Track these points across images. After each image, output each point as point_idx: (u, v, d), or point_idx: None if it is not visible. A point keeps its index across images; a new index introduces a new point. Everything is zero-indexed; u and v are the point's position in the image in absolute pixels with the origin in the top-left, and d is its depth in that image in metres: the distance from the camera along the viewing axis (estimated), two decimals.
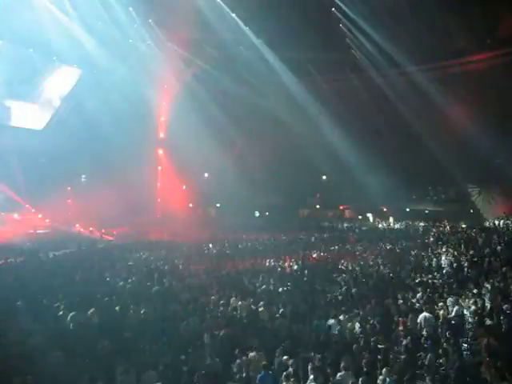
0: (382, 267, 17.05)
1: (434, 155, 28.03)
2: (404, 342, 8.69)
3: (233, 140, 35.07)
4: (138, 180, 31.35)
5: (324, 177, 38.30)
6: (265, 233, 30.13)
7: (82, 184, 34.91)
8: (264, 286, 13.65)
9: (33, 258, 19.30)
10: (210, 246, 25.19)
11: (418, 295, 11.74)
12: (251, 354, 7.85)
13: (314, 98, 32.26)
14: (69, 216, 31.93)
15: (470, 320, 9.99)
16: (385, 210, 36.12)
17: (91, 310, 9.63)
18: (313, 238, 28.08)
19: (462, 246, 19.08)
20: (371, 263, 18.33)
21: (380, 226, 35.24)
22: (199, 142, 31.79)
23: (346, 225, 36.04)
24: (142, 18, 27.27)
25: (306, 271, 16.75)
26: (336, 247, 24.05)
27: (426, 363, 7.79)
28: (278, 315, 10.21)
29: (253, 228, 32.98)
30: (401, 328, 9.60)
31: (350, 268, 17.55)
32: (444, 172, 28.98)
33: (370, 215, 38.13)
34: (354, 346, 8.40)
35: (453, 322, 10.07)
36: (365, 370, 7.29)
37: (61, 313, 9.49)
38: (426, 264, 17.13)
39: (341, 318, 9.97)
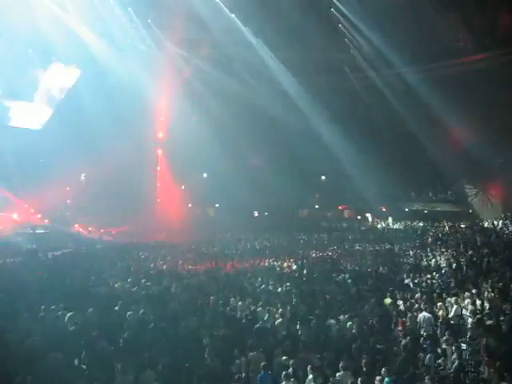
0: (380, 267, 17.07)
1: (433, 155, 28.05)
2: (403, 342, 8.71)
3: (232, 140, 35.04)
4: (138, 180, 31.30)
5: (323, 177, 38.29)
6: (264, 233, 30.13)
7: (82, 184, 34.86)
8: (263, 286, 13.64)
9: (32, 258, 19.29)
10: (210, 246, 25.21)
11: (417, 295, 11.74)
12: (251, 354, 7.85)
13: (313, 97, 32.23)
14: (68, 216, 31.91)
15: (468, 320, 10.00)
16: (384, 210, 36.11)
17: (90, 310, 9.62)
18: (312, 238, 28.09)
19: (461, 246, 19.11)
20: (370, 263, 18.35)
21: (379, 226, 35.29)
22: (198, 142, 31.80)
23: (344, 225, 36.03)
24: (141, 18, 27.28)
25: (305, 271, 16.78)
26: (335, 247, 24.08)
27: (425, 363, 7.79)
28: (277, 315, 10.20)
29: (252, 228, 32.97)
30: (400, 328, 9.63)
31: (349, 268, 17.58)
32: (443, 172, 28.98)
33: (369, 215, 38.08)
34: (353, 346, 8.38)
35: (452, 321, 10.10)
36: (364, 370, 7.28)
37: (59, 313, 9.47)
38: (425, 264, 17.16)
39: (340, 317, 9.98)
